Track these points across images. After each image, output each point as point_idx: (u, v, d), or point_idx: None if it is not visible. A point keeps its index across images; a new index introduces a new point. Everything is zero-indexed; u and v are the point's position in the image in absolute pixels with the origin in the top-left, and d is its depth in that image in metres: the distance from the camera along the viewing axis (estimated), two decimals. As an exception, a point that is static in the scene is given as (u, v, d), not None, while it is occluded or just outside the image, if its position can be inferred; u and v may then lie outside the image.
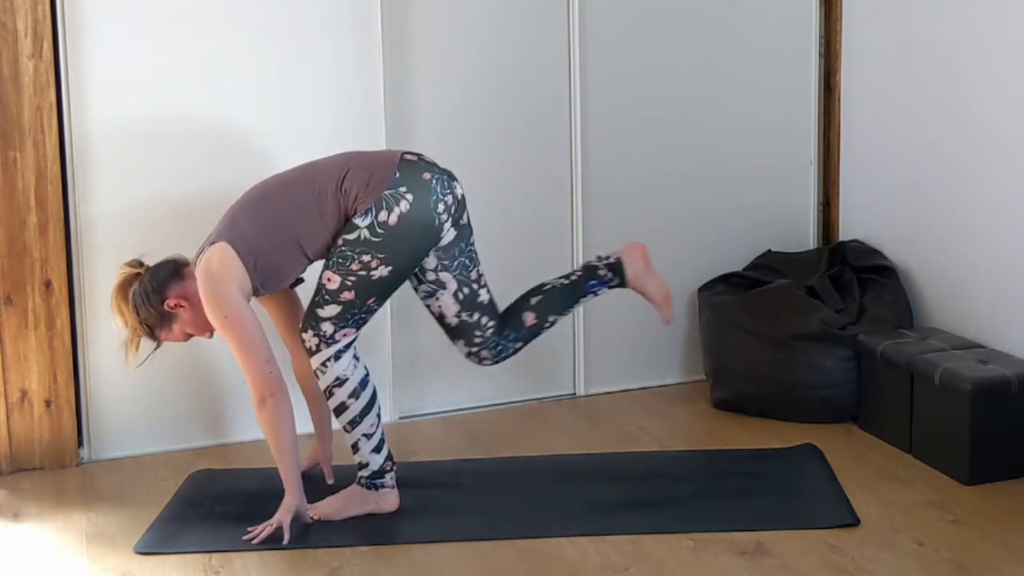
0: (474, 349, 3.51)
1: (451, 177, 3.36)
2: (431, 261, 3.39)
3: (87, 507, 3.60)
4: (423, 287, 3.46)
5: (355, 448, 3.38)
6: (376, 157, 3.36)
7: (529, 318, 3.53)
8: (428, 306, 3.50)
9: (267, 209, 3.32)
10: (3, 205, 3.75)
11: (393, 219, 3.23)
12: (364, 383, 3.33)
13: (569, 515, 3.43)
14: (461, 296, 3.44)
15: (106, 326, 3.92)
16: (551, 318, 3.56)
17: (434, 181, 3.29)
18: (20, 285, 3.79)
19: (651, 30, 4.45)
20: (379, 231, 3.22)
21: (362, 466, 3.40)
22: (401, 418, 4.27)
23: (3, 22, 3.68)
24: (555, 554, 3.19)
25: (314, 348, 3.29)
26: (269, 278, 3.31)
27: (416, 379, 4.28)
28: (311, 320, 3.29)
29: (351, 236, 3.24)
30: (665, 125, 4.50)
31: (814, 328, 4.08)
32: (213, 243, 3.28)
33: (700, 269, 4.54)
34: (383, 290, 3.29)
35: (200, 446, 4.04)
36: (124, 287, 3.37)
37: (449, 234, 3.35)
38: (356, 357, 3.33)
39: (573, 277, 3.56)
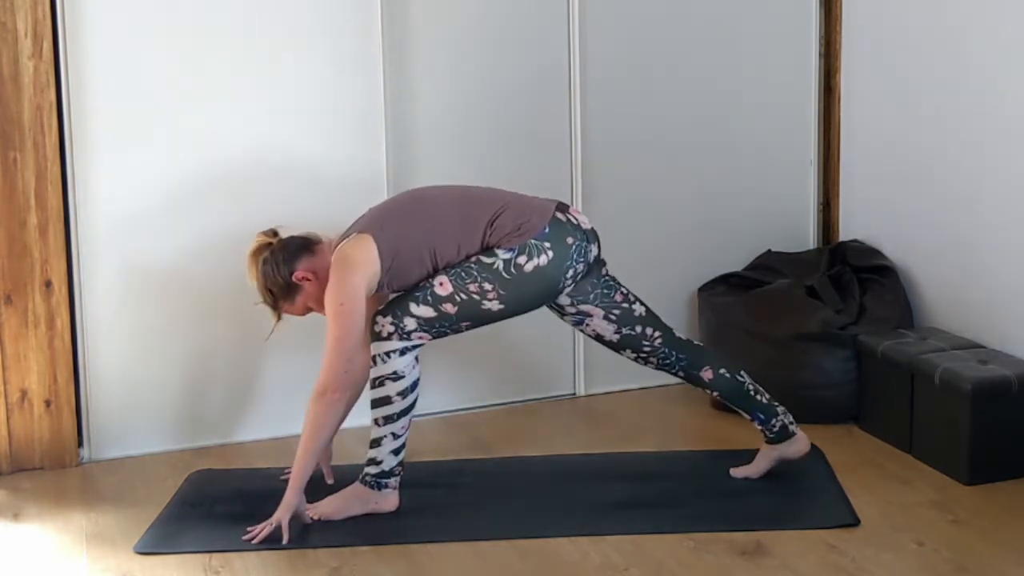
0: (643, 355, 3.57)
1: (590, 240, 3.44)
2: (564, 299, 3.48)
3: (87, 507, 3.60)
4: (568, 318, 3.55)
5: (376, 443, 3.38)
6: (532, 205, 3.42)
7: (707, 373, 3.58)
8: (582, 331, 3.57)
9: (416, 219, 3.38)
10: (3, 205, 3.75)
11: (529, 267, 3.32)
12: (414, 386, 3.36)
13: (569, 515, 3.43)
14: (614, 317, 3.51)
15: (106, 326, 3.93)
16: (716, 393, 3.62)
17: (574, 247, 3.38)
18: (20, 285, 3.79)
19: (651, 31, 4.45)
20: (512, 271, 3.31)
21: (372, 463, 3.40)
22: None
23: (3, 22, 3.68)
24: (555, 554, 3.19)
25: (385, 335, 3.31)
26: (397, 278, 3.36)
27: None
28: (397, 309, 3.31)
29: (487, 260, 3.32)
30: (665, 125, 4.50)
31: (814, 328, 4.08)
32: (360, 232, 3.33)
33: (700, 269, 4.55)
34: (481, 320, 3.37)
35: (200, 446, 4.04)
36: (256, 254, 3.43)
37: (570, 287, 3.45)
38: (417, 359, 3.36)
39: (758, 396, 3.59)
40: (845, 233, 4.64)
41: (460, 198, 3.45)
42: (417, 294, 3.33)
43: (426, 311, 3.31)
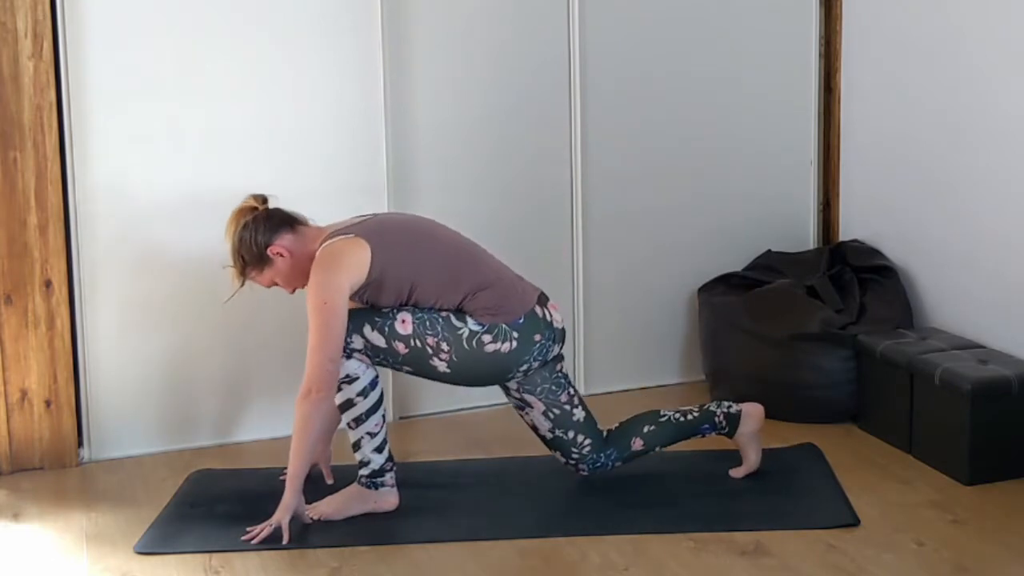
0: (572, 462, 3.58)
1: (556, 339, 3.45)
2: (512, 383, 3.49)
3: (87, 507, 3.60)
4: (511, 399, 3.56)
5: (357, 446, 3.38)
6: (517, 290, 3.43)
7: (637, 443, 3.59)
8: (521, 417, 3.58)
9: (414, 250, 3.37)
10: (3, 205, 3.75)
11: (490, 348, 3.34)
12: (373, 384, 3.35)
13: (569, 515, 3.43)
14: (552, 415, 3.51)
15: (106, 326, 3.93)
16: (657, 448, 3.62)
17: (537, 345, 3.40)
18: (20, 285, 3.79)
19: (651, 31, 4.45)
20: (473, 344, 3.32)
21: (363, 464, 3.40)
22: (401, 418, 4.27)
23: (3, 22, 3.68)
24: (555, 554, 3.19)
25: None
26: (372, 293, 3.34)
27: (415, 379, 4.26)
28: (351, 324, 3.29)
29: (456, 323, 3.33)
30: (665, 126, 4.50)
31: (814, 328, 4.08)
32: (357, 236, 3.30)
33: (700, 269, 4.55)
34: (422, 372, 3.39)
35: (200, 446, 4.05)
36: (238, 215, 3.41)
37: (519, 378, 3.47)
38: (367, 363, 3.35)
39: (689, 416, 3.61)
40: (845, 233, 4.65)
41: (458, 252, 3.43)
42: (376, 319, 3.32)
43: (378, 339, 3.31)
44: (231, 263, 3.43)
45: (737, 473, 3.63)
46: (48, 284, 3.82)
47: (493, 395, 4.33)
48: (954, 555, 3.12)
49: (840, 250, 4.52)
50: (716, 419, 3.61)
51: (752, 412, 3.63)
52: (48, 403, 3.86)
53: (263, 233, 3.37)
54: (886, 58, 4.38)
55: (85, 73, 3.82)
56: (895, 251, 4.38)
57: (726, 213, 4.61)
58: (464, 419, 4.28)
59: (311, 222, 3.46)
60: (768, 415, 4.10)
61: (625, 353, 4.54)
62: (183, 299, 3.99)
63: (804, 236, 4.73)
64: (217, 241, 3.93)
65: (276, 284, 3.45)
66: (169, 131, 3.92)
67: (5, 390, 3.83)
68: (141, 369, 3.98)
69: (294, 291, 3.45)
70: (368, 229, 3.35)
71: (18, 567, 3.23)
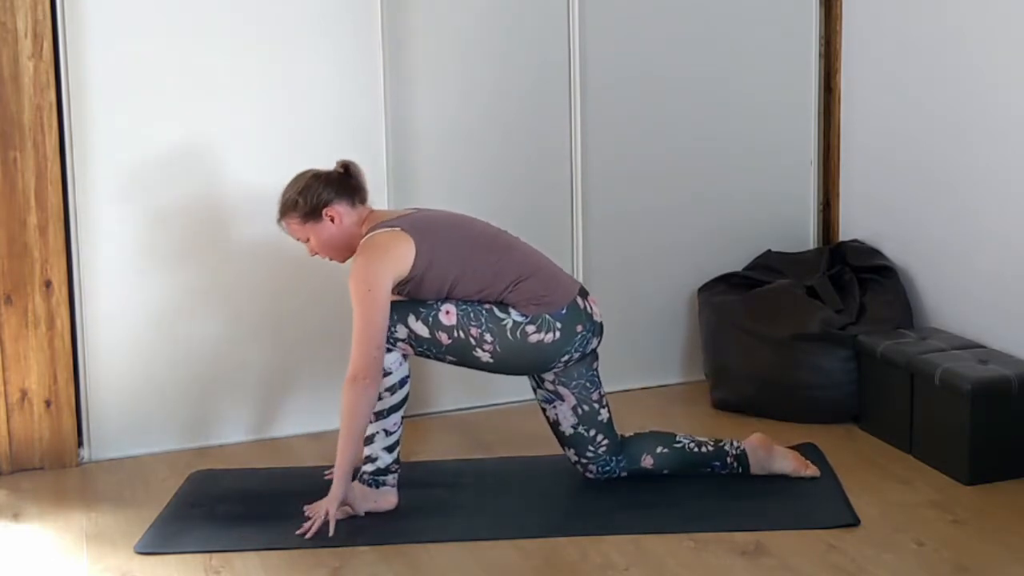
0: (584, 461, 3.57)
1: (596, 332, 3.46)
2: (548, 375, 3.49)
3: (87, 507, 3.60)
4: (541, 392, 3.55)
5: (369, 440, 3.38)
6: (559, 281, 3.46)
7: (647, 461, 3.59)
8: (544, 411, 3.57)
9: (456, 247, 3.38)
10: (3, 205, 3.75)
11: (534, 338, 3.34)
12: (403, 382, 3.36)
13: (569, 515, 3.43)
14: (580, 412, 3.51)
15: (106, 326, 3.93)
16: (666, 471, 3.61)
17: (578, 336, 3.40)
18: (20, 285, 3.79)
19: (651, 30, 4.45)
20: (517, 335, 3.34)
21: (368, 460, 3.40)
22: (403, 417, 4.26)
23: (3, 22, 3.68)
24: (555, 554, 3.19)
25: None
26: (413, 287, 3.35)
27: (416, 379, 4.26)
28: (395, 314, 3.31)
29: (500, 314, 3.35)
30: (665, 126, 4.50)
31: (814, 328, 4.08)
32: (402, 231, 3.32)
33: (700, 269, 4.55)
34: (464, 362, 3.39)
35: (200, 446, 4.04)
36: (321, 169, 3.46)
37: (559, 370, 3.47)
38: (405, 357, 3.36)
39: (703, 449, 3.59)
40: (845, 233, 4.65)
41: (498, 247, 3.45)
42: (421, 310, 3.33)
43: (422, 329, 3.32)
44: (284, 195, 3.45)
45: (808, 474, 3.59)
46: (48, 284, 3.82)
47: (494, 395, 4.36)
48: (954, 555, 3.12)
49: (840, 250, 4.52)
50: (728, 459, 3.59)
51: (755, 443, 3.63)
52: (48, 403, 3.86)
53: (328, 192, 3.40)
54: (886, 58, 4.38)
55: (85, 73, 3.81)
56: (895, 251, 4.38)
57: (726, 213, 4.62)
58: (466, 419, 4.28)
59: (368, 202, 3.48)
60: (768, 415, 4.12)
61: (625, 353, 4.53)
62: (183, 299, 3.99)
63: (804, 236, 4.73)
64: (217, 241, 3.94)
65: (306, 242, 3.47)
66: (169, 131, 3.92)
67: (5, 390, 3.83)
68: (141, 369, 3.98)
69: (314, 255, 3.48)
70: (413, 225, 3.37)
71: (18, 567, 3.23)
